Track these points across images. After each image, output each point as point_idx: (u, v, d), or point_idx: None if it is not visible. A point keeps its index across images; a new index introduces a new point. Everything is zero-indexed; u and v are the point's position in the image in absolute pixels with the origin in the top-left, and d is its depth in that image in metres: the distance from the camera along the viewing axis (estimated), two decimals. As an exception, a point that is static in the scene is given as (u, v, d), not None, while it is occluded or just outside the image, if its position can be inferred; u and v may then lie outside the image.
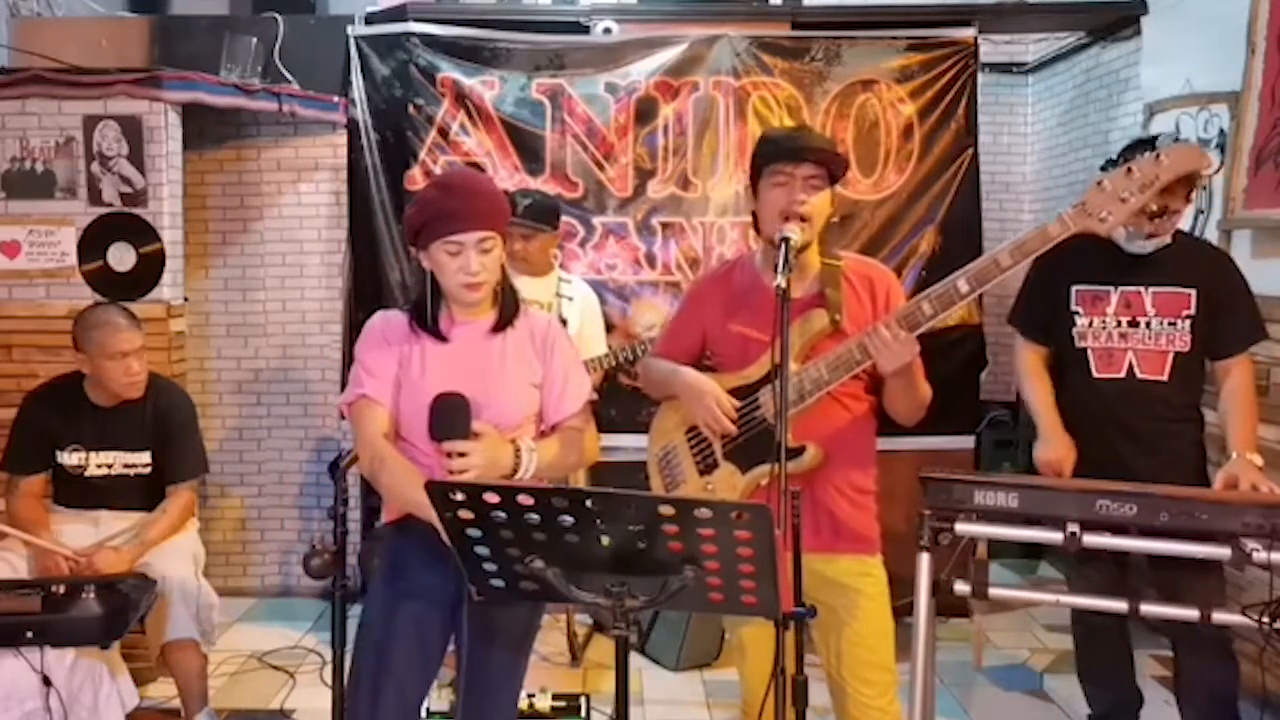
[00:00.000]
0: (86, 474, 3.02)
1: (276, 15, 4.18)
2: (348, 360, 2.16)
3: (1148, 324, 2.65)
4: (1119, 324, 2.67)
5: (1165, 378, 2.64)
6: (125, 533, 3.00)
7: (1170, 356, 2.63)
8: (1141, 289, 2.65)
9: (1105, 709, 2.96)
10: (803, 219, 2.06)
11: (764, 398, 2.14)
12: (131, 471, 3.05)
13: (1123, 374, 2.67)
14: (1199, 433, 2.70)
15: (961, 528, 2.14)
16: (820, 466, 2.11)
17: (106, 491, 3.05)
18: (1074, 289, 2.71)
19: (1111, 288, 2.68)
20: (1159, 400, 2.64)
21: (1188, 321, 2.63)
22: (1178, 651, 2.75)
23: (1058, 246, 2.73)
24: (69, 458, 3.01)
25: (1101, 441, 2.66)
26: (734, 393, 2.17)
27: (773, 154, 2.11)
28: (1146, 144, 2.58)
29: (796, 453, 2.08)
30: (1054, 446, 2.67)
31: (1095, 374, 2.70)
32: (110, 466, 3.04)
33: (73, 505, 3.06)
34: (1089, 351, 2.70)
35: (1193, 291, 2.62)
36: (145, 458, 3.05)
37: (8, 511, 3.05)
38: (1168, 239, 2.62)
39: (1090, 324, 2.70)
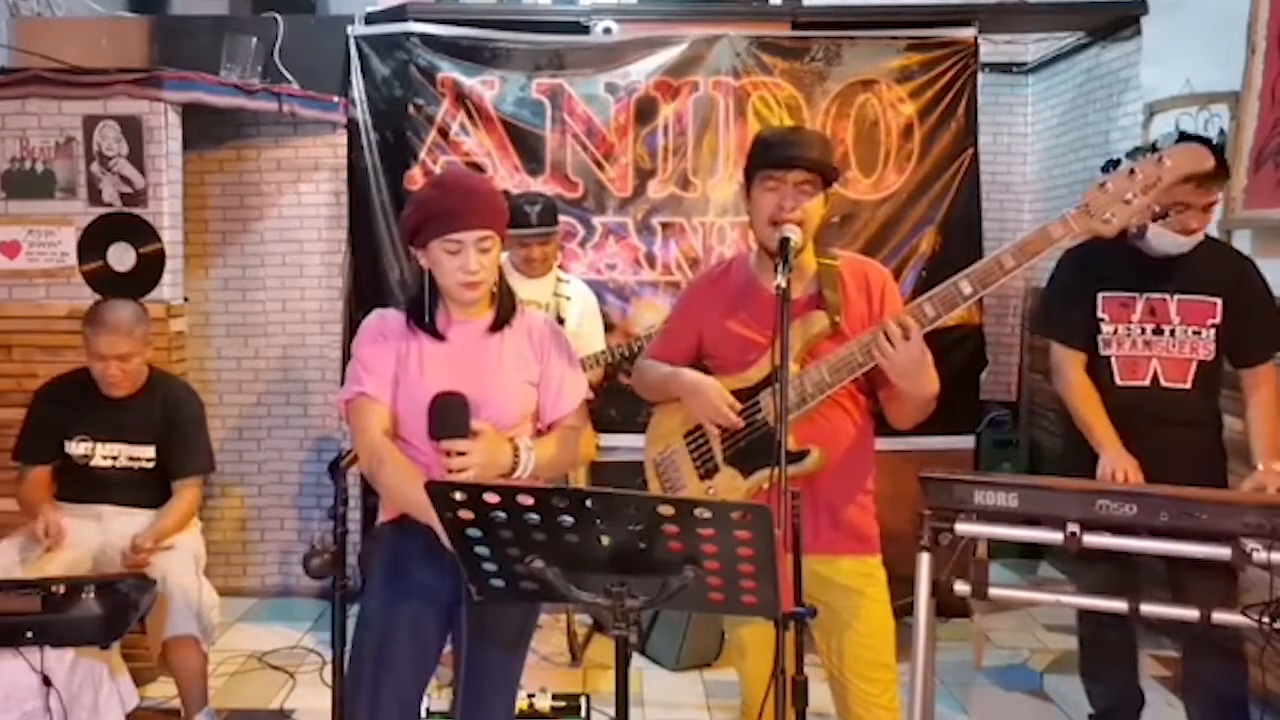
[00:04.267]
0: (92, 463, 3.06)
1: (276, 15, 4.18)
2: (347, 360, 2.16)
3: (1172, 332, 2.62)
4: (1144, 331, 2.64)
5: (1188, 385, 2.62)
6: (133, 534, 3.00)
7: (1194, 365, 2.61)
8: (1167, 296, 2.62)
9: (1107, 707, 2.95)
10: (795, 224, 2.04)
11: (764, 400, 2.13)
12: (136, 465, 3.08)
13: (1146, 381, 2.64)
14: (1219, 435, 2.69)
15: (961, 528, 2.14)
16: (822, 469, 2.11)
17: (111, 484, 3.08)
18: (1100, 295, 2.68)
19: (1137, 294, 2.65)
20: (1181, 406, 2.62)
21: (1213, 330, 2.60)
22: (1186, 652, 2.73)
23: (1081, 252, 2.67)
24: (76, 447, 3.05)
25: (1127, 446, 2.60)
26: (733, 395, 2.16)
27: (764, 160, 2.10)
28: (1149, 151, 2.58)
29: (800, 456, 2.07)
30: (1128, 464, 2.57)
31: (1119, 381, 2.67)
32: (115, 458, 3.07)
33: (78, 499, 3.08)
34: (1113, 359, 2.67)
35: (1218, 300, 2.59)
36: (150, 451, 3.09)
37: (17, 496, 3.11)
38: (1200, 236, 2.58)
39: (1115, 331, 2.67)
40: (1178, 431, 2.60)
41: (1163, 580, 2.63)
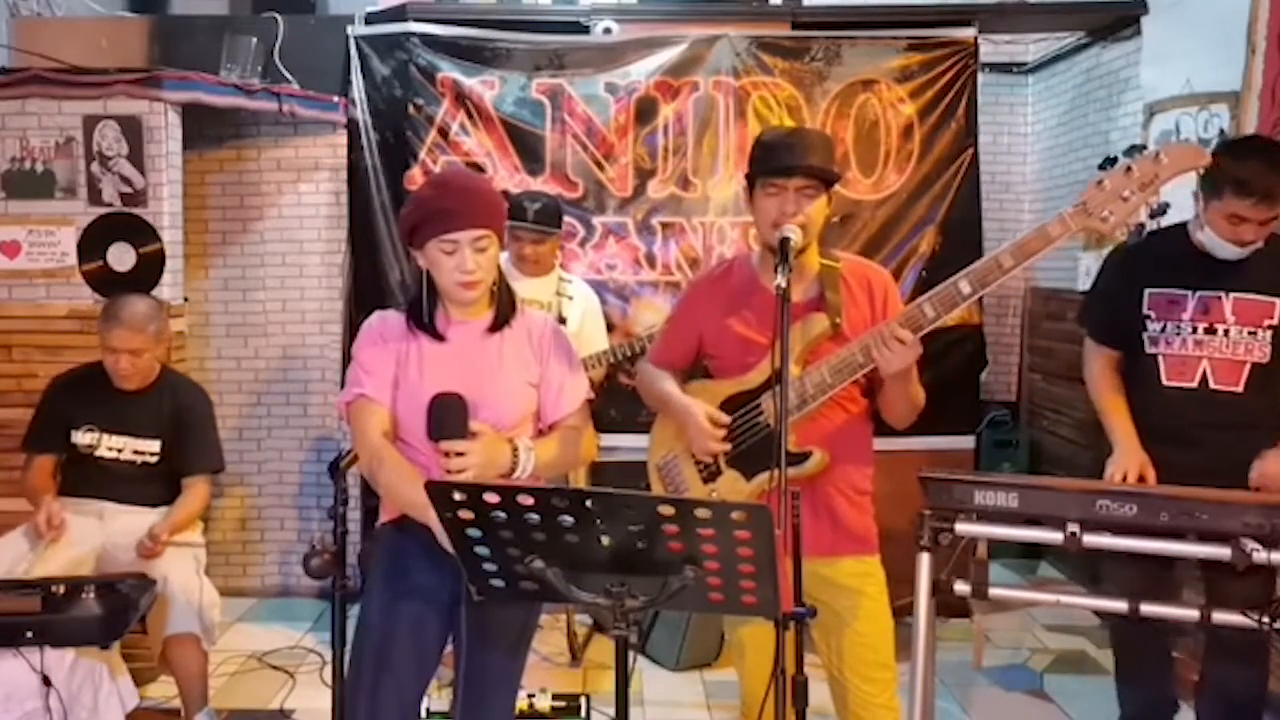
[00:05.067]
0: (97, 454, 3.08)
1: (276, 15, 4.18)
2: (347, 360, 2.17)
3: (1226, 332, 2.52)
4: (1194, 330, 2.54)
5: (1240, 388, 2.52)
6: (135, 533, 3.01)
7: (1247, 367, 2.52)
8: (1222, 294, 2.52)
9: (1136, 711, 2.88)
10: (799, 227, 2.04)
11: (766, 403, 2.13)
12: (139, 459, 3.11)
13: (1195, 383, 2.55)
14: (1275, 439, 2.56)
15: (961, 528, 2.14)
16: (824, 470, 2.11)
17: (114, 476, 3.09)
18: (1147, 292, 2.60)
19: (1189, 292, 2.55)
20: (1232, 410, 2.53)
21: (1269, 332, 2.50)
22: (1205, 653, 2.68)
23: (1131, 249, 2.63)
24: (82, 437, 3.08)
25: (1167, 451, 2.53)
26: (735, 399, 2.17)
27: (765, 167, 2.09)
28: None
29: (802, 458, 2.08)
30: (1131, 463, 2.52)
31: (1165, 382, 2.58)
32: (120, 451, 3.10)
33: (80, 493, 3.09)
34: (1160, 358, 2.58)
35: (1277, 300, 2.50)
36: (155, 446, 3.11)
37: (22, 485, 3.15)
38: (1258, 245, 2.48)
39: (1163, 329, 2.58)
40: (1230, 436, 2.50)
41: (1199, 578, 2.58)
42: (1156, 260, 2.60)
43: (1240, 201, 2.39)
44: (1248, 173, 2.36)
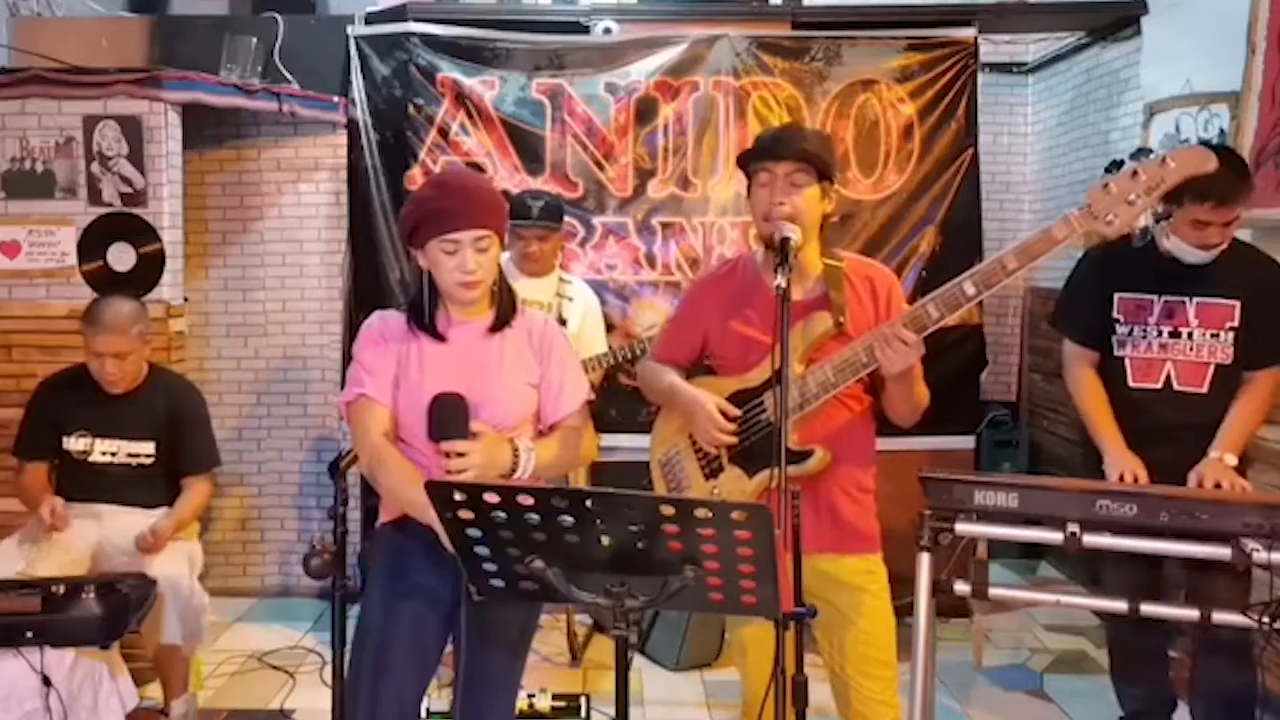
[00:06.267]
0: (90, 459, 3.07)
1: (276, 15, 4.19)
2: (347, 360, 2.17)
3: (1189, 335, 2.59)
4: (1160, 334, 2.61)
5: (1204, 389, 2.58)
6: (133, 532, 3.00)
7: (1211, 368, 2.58)
8: (1185, 299, 2.59)
9: (1136, 708, 2.91)
10: (787, 220, 2.04)
11: (768, 401, 2.13)
12: (134, 461, 3.10)
13: (1159, 385, 2.61)
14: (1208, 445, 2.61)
15: (961, 528, 2.14)
16: (826, 468, 2.11)
17: (108, 480, 3.08)
18: (1116, 296, 2.66)
19: (1155, 296, 2.62)
20: (1196, 410, 2.57)
21: (1231, 334, 2.56)
22: (1196, 652, 2.71)
23: (1101, 252, 2.66)
24: (75, 443, 3.07)
25: (1136, 450, 2.57)
26: (737, 396, 2.17)
27: (754, 154, 2.11)
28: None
29: (804, 456, 2.08)
30: (1124, 464, 2.54)
31: (1131, 383, 2.64)
32: (114, 454, 3.09)
33: (75, 496, 3.08)
34: (1127, 360, 2.65)
35: (1237, 303, 2.56)
36: (149, 448, 3.10)
37: (16, 490, 3.14)
38: (1223, 247, 2.54)
39: (1130, 332, 2.64)
40: (1194, 435, 2.54)
41: (1182, 581, 2.60)
42: (1123, 265, 2.65)
43: (1200, 207, 2.44)
44: (1204, 179, 2.38)
